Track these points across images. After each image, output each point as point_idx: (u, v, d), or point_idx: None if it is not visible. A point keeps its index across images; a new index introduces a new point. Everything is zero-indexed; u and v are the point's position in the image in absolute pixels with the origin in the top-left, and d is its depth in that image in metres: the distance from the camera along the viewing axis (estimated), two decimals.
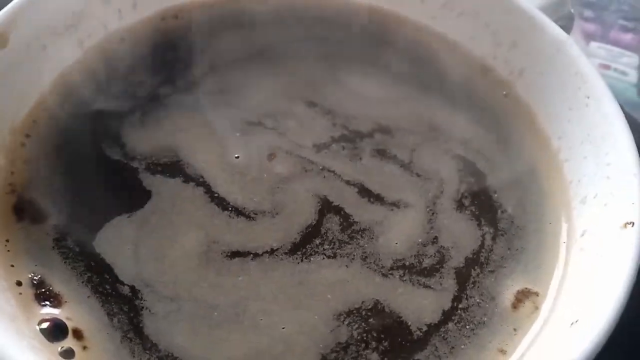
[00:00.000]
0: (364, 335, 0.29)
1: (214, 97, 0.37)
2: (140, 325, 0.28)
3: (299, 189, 0.34)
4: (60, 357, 0.27)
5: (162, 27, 0.39)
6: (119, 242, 0.31)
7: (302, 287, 0.30)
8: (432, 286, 0.31)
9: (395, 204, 0.33)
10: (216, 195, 0.33)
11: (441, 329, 0.29)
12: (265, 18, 0.41)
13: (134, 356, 0.28)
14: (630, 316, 0.25)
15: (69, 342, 0.27)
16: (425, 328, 0.29)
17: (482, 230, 0.33)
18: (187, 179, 0.33)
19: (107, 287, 0.29)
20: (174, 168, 0.34)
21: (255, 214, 0.32)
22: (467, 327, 0.29)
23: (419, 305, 0.30)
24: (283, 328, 0.29)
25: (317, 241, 0.32)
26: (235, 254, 0.31)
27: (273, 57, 0.39)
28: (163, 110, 0.36)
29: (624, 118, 0.31)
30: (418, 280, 0.31)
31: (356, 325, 0.29)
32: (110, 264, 0.30)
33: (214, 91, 0.37)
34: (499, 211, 0.34)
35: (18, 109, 0.34)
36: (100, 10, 0.37)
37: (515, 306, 0.30)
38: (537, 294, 0.30)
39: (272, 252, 0.31)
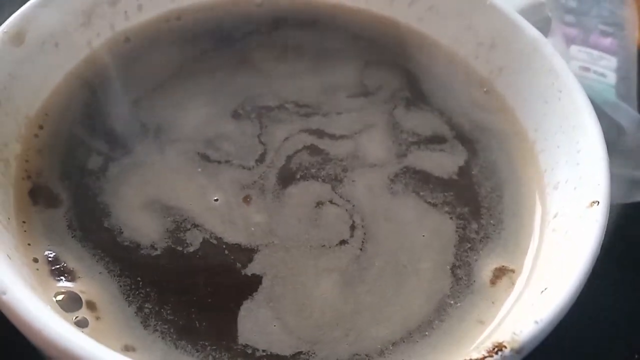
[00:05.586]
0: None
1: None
2: None
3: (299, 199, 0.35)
4: (75, 326, 0.29)
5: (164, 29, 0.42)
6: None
7: (388, 222, 0.34)
8: (445, 150, 0.38)
9: (356, 132, 0.38)
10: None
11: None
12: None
13: (145, 327, 0.29)
14: None
15: (83, 313, 0.29)
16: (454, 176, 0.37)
17: (447, 116, 0.39)
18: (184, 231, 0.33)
19: None
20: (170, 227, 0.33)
21: (315, 243, 0.33)
22: (449, 302, 0.32)
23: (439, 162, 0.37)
24: (423, 235, 0.34)
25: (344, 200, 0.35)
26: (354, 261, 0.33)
27: (194, 72, 0.40)
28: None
29: (593, 109, 0.33)
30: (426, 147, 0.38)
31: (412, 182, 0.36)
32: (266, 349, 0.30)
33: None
34: (479, 199, 0.36)
35: (33, 102, 0.36)
36: (107, 11, 0.40)
37: (493, 282, 0.32)
38: (513, 270, 0.33)
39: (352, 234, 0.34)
